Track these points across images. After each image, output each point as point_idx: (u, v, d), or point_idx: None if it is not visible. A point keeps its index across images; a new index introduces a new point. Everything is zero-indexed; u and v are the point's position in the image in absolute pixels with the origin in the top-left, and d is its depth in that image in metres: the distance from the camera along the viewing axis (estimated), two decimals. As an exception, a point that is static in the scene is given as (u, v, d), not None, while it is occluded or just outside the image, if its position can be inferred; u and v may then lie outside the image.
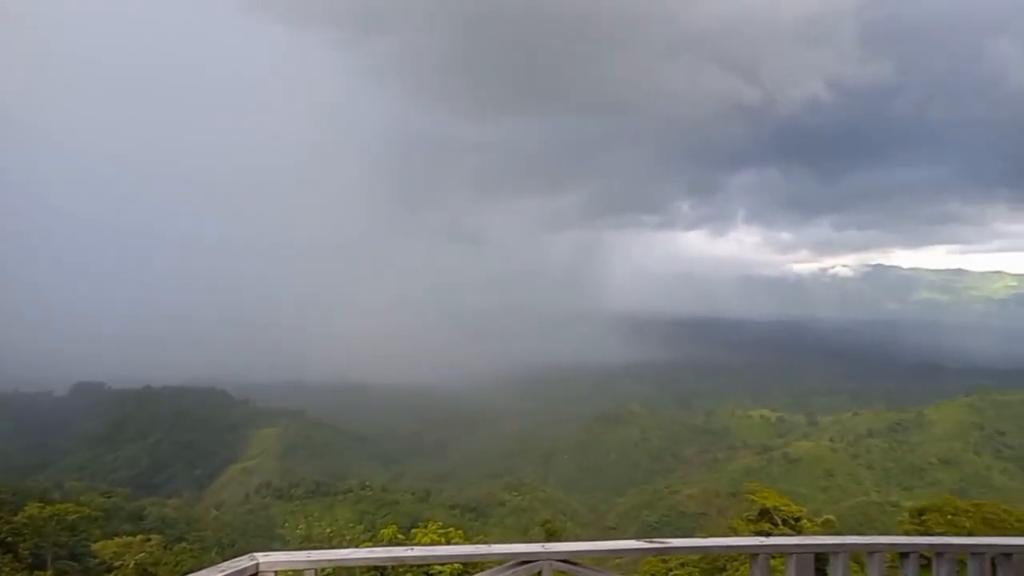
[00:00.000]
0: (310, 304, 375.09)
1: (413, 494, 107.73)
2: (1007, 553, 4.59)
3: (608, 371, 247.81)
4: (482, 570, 3.87)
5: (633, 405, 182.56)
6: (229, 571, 3.43)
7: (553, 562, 3.79)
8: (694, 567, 24.84)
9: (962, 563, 4.65)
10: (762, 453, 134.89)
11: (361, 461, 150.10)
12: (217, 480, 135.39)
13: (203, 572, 3.35)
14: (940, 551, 4.47)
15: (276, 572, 3.71)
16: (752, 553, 4.12)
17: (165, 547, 36.14)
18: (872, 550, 4.35)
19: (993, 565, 4.61)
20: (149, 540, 35.17)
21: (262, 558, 3.64)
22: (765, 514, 27.66)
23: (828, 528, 34.94)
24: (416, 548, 3.79)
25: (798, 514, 28.65)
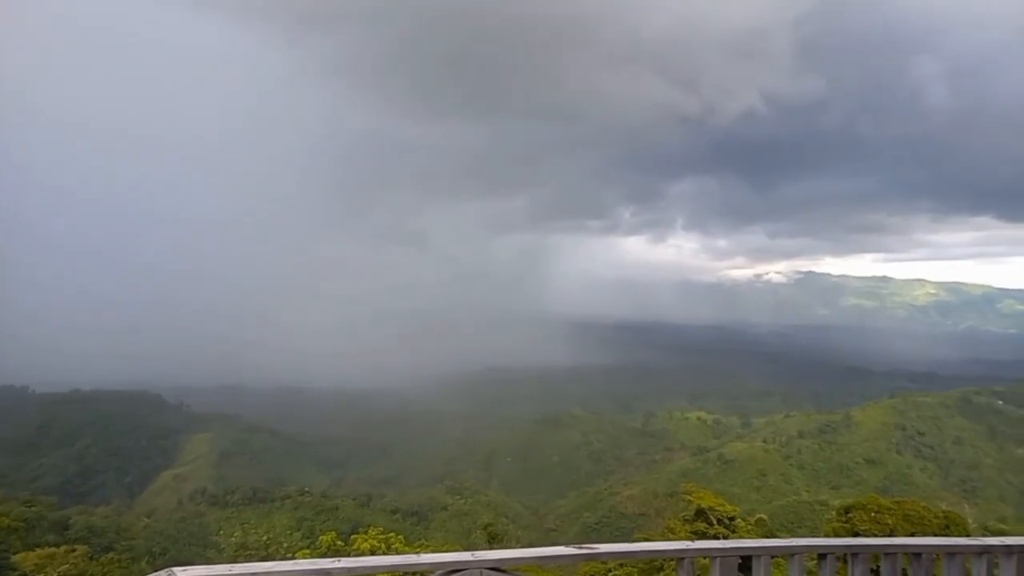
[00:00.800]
0: (249, 306, 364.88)
1: (354, 499, 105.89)
2: (916, 553, 4.83)
3: (551, 374, 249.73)
4: None
5: (575, 408, 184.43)
6: None
7: (483, 570, 3.77)
8: (632, 567, 25.20)
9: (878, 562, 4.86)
10: (699, 454, 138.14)
11: (300, 466, 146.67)
12: (149, 487, 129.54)
13: None
14: (855, 552, 4.67)
15: None
16: (679, 557, 4.22)
17: (91, 558, 34.40)
18: (792, 552, 4.52)
19: (904, 566, 4.85)
20: (74, 551, 33.41)
21: (180, 573, 3.47)
22: (701, 514, 28.35)
23: (761, 527, 36.06)
24: (343, 560, 3.67)
25: (732, 513, 29.47)
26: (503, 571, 3.80)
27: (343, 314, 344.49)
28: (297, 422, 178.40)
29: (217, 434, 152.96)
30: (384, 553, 17.23)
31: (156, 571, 3.53)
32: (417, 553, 4.44)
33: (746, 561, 4.58)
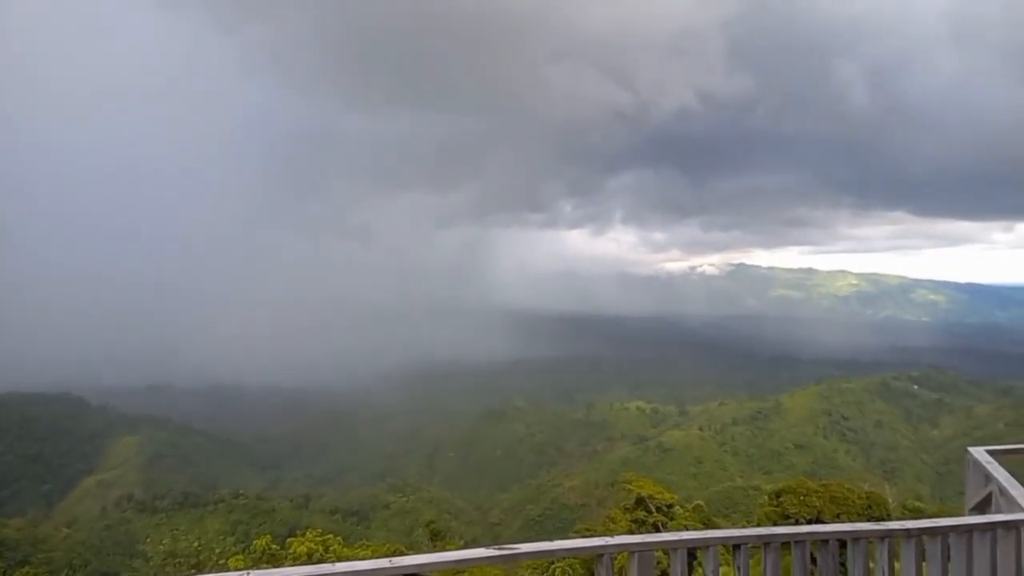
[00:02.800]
0: (179, 301, 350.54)
1: (291, 501, 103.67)
2: (824, 540, 5.07)
3: (493, 367, 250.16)
4: None
5: (518, 400, 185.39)
6: None
7: None
8: (575, 559, 25.55)
9: (810, 548, 5.08)
10: (638, 443, 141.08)
11: (234, 469, 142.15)
12: (69, 495, 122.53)
13: None
14: (767, 541, 4.87)
15: None
16: (597, 554, 4.30)
17: (4, 573, 32.59)
18: (707, 544, 4.68)
19: (812, 552, 5.10)
20: (-16, 566, 31.50)
21: None
22: (641, 503, 28.97)
23: (698, 513, 37.08)
24: (253, 573, 3.56)
25: (671, 501, 30.24)
26: None
27: (280, 309, 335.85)
28: (231, 422, 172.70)
29: (145, 437, 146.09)
30: (320, 556, 17.00)
31: None
32: (331, 563, 4.35)
33: (692, 552, 4.72)
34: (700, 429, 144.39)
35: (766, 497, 34.00)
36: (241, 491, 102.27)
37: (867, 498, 30.62)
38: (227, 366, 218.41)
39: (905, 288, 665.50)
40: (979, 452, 7.71)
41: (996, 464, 7.27)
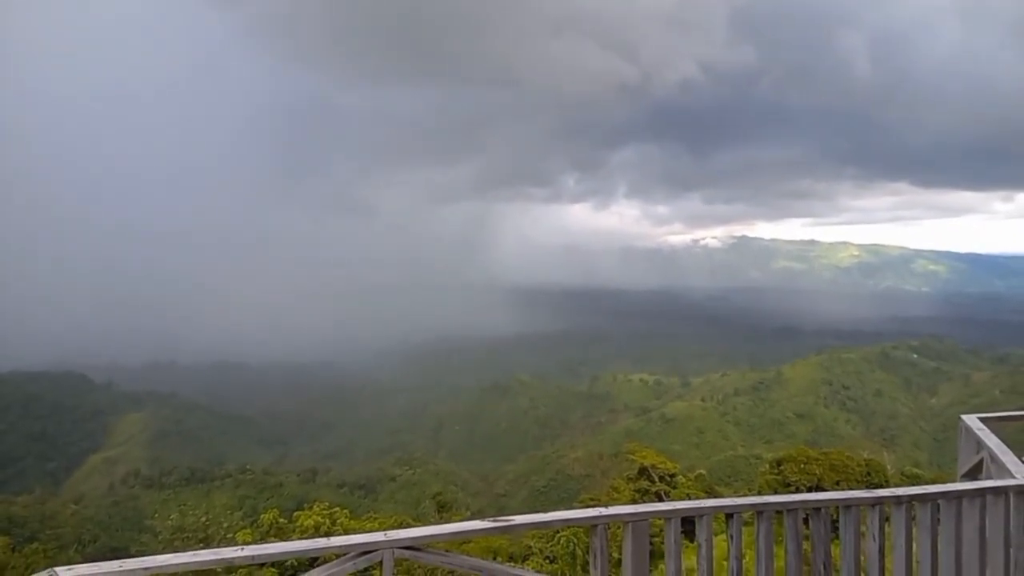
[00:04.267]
0: (184, 278, 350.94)
1: (298, 475, 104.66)
2: (816, 508, 5.17)
3: (497, 342, 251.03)
4: (323, 563, 3.79)
5: (522, 374, 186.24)
6: None
7: (395, 550, 3.79)
8: (579, 527, 25.95)
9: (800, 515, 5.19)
10: (641, 415, 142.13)
11: (241, 444, 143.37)
12: (75, 473, 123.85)
13: None
14: (760, 510, 4.97)
15: None
16: (592, 524, 4.39)
17: (14, 549, 32.98)
18: (700, 513, 4.77)
19: (806, 519, 5.20)
20: (-8, 543, 31.83)
21: (63, 573, 3.23)
22: (644, 472, 29.31)
23: (700, 482, 37.46)
24: (247, 548, 3.56)
25: (673, 470, 30.58)
26: (418, 549, 3.83)
27: (284, 285, 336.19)
28: (237, 398, 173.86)
29: (150, 413, 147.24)
30: (328, 529, 17.26)
31: (42, 570, 3.35)
32: (326, 536, 4.43)
33: (688, 521, 4.83)
34: (702, 400, 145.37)
35: (767, 465, 34.29)
36: (248, 466, 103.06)
37: (866, 465, 30.90)
38: (231, 343, 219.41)
39: (906, 259, 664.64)
40: (971, 419, 7.82)
41: (988, 431, 7.38)
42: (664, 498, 27.08)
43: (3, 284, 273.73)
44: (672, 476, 29.80)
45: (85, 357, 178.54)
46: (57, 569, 3.28)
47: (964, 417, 8.00)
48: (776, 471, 30.63)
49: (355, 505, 68.51)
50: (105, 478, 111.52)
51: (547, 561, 17.24)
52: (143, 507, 79.42)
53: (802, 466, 29.65)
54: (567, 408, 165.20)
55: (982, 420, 7.72)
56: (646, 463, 29.63)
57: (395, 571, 3.69)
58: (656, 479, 28.85)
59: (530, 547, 19.00)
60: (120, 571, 3.33)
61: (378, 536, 3.80)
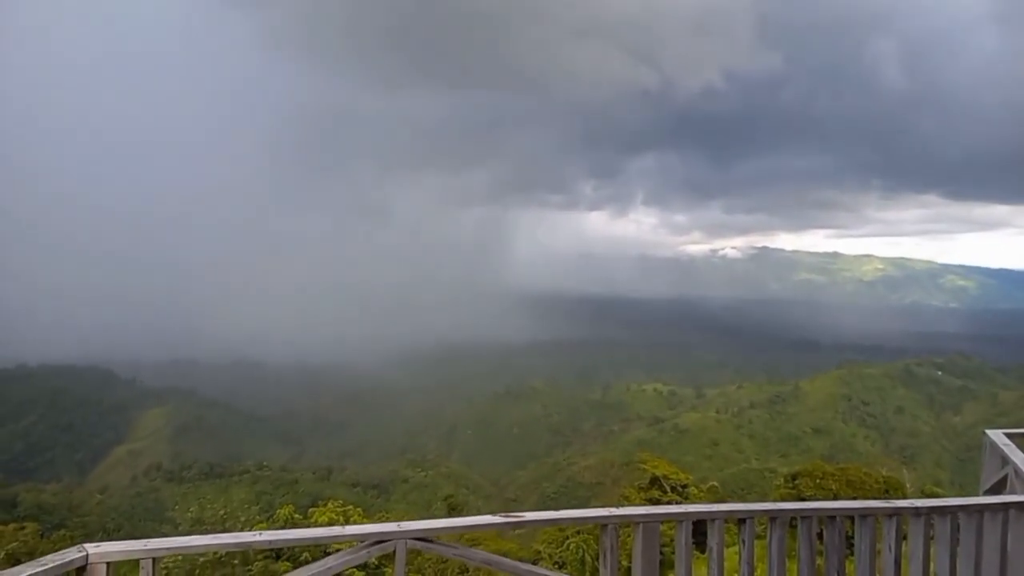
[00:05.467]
0: (204, 278, 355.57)
1: (313, 473, 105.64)
2: (831, 516, 5.11)
3: (512, 348, 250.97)
4: (337, 551, 3.84)
5: (535, 381, 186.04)
6: (52, 564, 3.11)
7: (408, 540, 3.83)
8: (588, 534, 25.88)
9: (794, 526, 5.14)
10: (654, 425, 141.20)
11: (258, 441, 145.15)
12: (101, 464, 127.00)
13: (24, 565, 3.05)
14: (774, 516, 4.92)
15: (109, 563, 3.41)
16: (602, 524, 4.38)
17: (42, 535, 33.62)
18: (712, 517, 4.73)
19: (820, 527, 5.13)
20: (23, 528, 32.48)
21: (92, 549, 3.38)
22: (655, 482, 29.12)
23: (712, 493, 37.17)
24: (265, 533, 3.67)
25: (685, 481, 30.35)
26: (430, 541, 3.87)
27: (302, 287, 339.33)
28: (255, 397, 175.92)
29: (172, 409, 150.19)
30: (334, 526, 17.35)
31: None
32: (341, 525, 4.48)
33: (675, 526, 4.78)
34: (717, 412, 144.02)
35: (782, 479, 33.93)
36: (265, 463, 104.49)
37: (884, 482, 30.44)
38: (250, 342, 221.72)
39: (933, 273, 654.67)
40: (997, 434, 7.64)
41: (1014, 447, 7.17)
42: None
43: (35, 281, 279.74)
44: (684, 487, 29.57)
45: (111, 353, 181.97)
46: (86, 545, 3.42)
47: (989, 432, 7.78)
48: (791, 485, 30.26)
49: (368, 504, 68.93)
50: (129, 470, 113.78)
51: (556, 567, 17.20)
52: (164, 499, 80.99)
53: (818, 481, 29.29)
54: (580, 416, 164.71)
55: (1008, 436, 7.52)
56: (658, 473, 29.44)
57: (407, 562, 3.74)
58: (668, 489, 28.64)
59: (539, 552, 18.96)
60: (145, 549, 3.46)
61: (392, 526, 3.88)
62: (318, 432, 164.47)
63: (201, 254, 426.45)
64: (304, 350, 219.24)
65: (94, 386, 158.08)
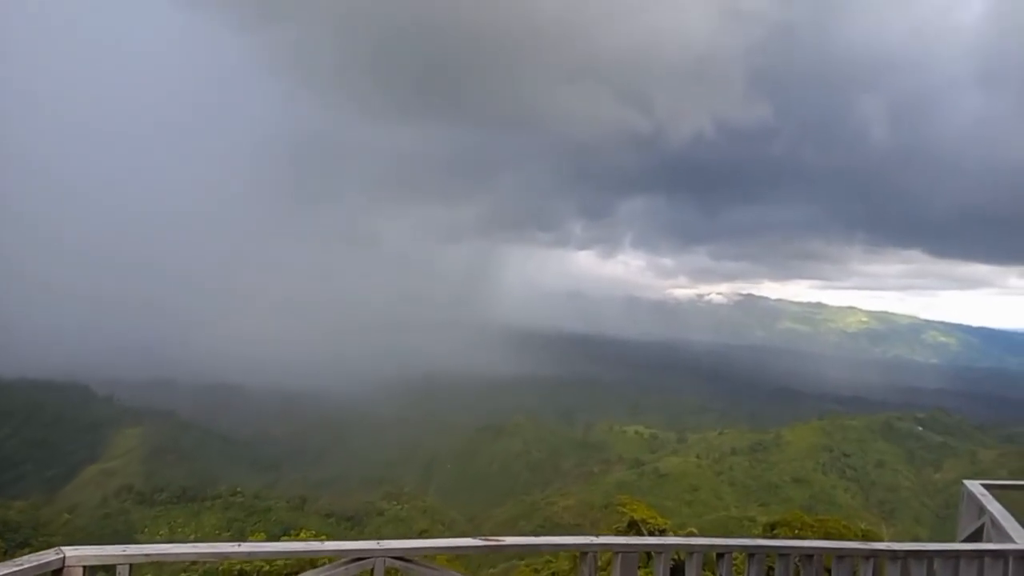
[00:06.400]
0: (188, 297, 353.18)
1: (287, 501, 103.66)
2: (808, 555, 5.13)
3: (495, 382, 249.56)
4: (315, 567, 3.83)
5: (517, 416, 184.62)
6: (29, 565, 3.15)
7: (386, 559, 3.83)
8: (568, 568, 25.54)
9: (772, 564, 5.15)
10: (635, 467, 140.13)
11: (233, 466, 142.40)
12: (72, 482, 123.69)
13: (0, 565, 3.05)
14: (752, 552, 4.94)
15: (85, 567, 3.43)
16: (581, 551, 4.39)
17: (5, 552, 32.69)
18: (691, 550, 4.75)
19: (798, 566, 5.16)
20: (-16, 545, 31.57)
21: (69, 552, 3.39)
22: (633, 525, 28.83)
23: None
24: (244, 544, 3.68)
25: (664, 526, 30.06)
26: (408, 560, 3.86)
27: (286, 312, 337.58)
28: (232, 420, 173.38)
29: (147, 429, 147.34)
30: (313, 540, 17.07)
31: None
32: (320, 540, 4.46)
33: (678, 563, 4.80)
34: (698, 457, 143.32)
35: (760, 528, 33.75)
36: (239, 489, 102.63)
37: (863, 536, 30.35)
38: (231, 365, 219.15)
39: (916, 328, 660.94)
40: (974, 485, 7.80)
41: (991, 497, 7.32)
42: (653, 556, 26.59)
43: (16, 294, 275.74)
44: (662, 531, 29.30)
45: (89, 370, 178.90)
46: (64, 547, 3.49)
47: (967, 482, 8.01)
48: (770, 534, 30.11)
49: (341, 535, 67.50)
50: (100, 489, 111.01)
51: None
52: (134, 521, 79.16)
53: (796, 532, 29.16)
54: (560, 454, 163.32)
55: (985, 486, 7.68)
56: (637, 517, 29.19)
57: None
58: (646, 533, 28.39)
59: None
60: (123, 555, 3.50)
61: (371, 544, 3.96)
62: (295, 459, 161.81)
63: (186, 275, 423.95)
64: (286, 376, 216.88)
65: (71, 402, 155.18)
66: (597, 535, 4.73)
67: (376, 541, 3.88)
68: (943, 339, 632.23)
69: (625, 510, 30.81)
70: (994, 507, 6.96)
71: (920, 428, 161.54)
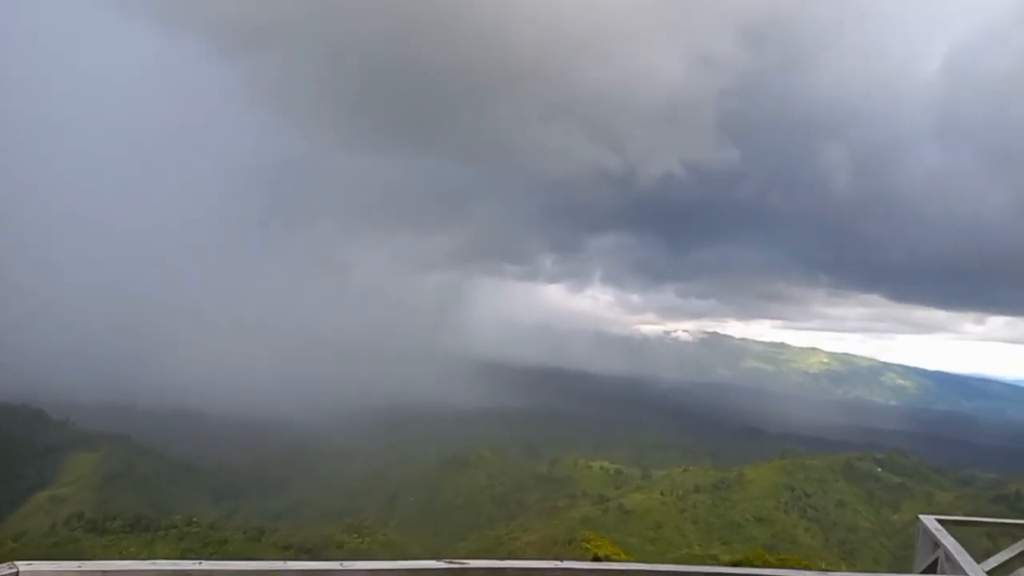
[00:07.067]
0: (151, 320, 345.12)
1: (244, 533, 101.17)
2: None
3: (461, 414, 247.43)
4: None
5: (483, 450, 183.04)
6: None
7: None
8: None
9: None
10: (599, 503, 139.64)
11: (190, 495, 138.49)
12: (19, 509, 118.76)
13: None
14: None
15: None
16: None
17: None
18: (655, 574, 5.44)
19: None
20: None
21: (23, 567, 3.31)
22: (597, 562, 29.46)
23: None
24: (205, 562, 3.76)
25: (625, 562, 30.77)
26: None
27: (253, 338, 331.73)
28: (192, 448, 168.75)
29: (103, 455, 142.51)
30: (275, 560, 17.38)
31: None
32: (283, 560, 4.63)
33: None
34: (662, 494, 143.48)
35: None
36: (195, 518, 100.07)
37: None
38: (194, 390, 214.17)
39: (875, 370, 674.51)
40: (929, 520, 8.15)
41: (945, 531, 7.68)
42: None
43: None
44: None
45: (44, 393, 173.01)
46: (17, 562, 3.43)
47: (922, 517, 8.34)
48: (731, 572, 30.96)
49: (301, 570, 66.22)
50: (49, 517, 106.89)
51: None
52: (83, 551, 76.48)
53: (757, 570, 30.12)
54: (525, 489, 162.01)
55: (940, 521, 8.05)
56: (601, 553, 29.85)
57: None
58: (610, 569, 29.04)
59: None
60: (78, 571, 3.46)
61: (334, 564, 3.89)
62: (255, 489, 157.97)
63: (151, 298, 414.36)
64: (249, 403, 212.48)
65: (24, 426, 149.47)
66: (561, 559, 4.92)
67: (339, 563, 3.88)
68: (901, 382, 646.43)
69: (589, 546, 31.48)
70: (948, 541, 7.35)
71: (879, 469, 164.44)
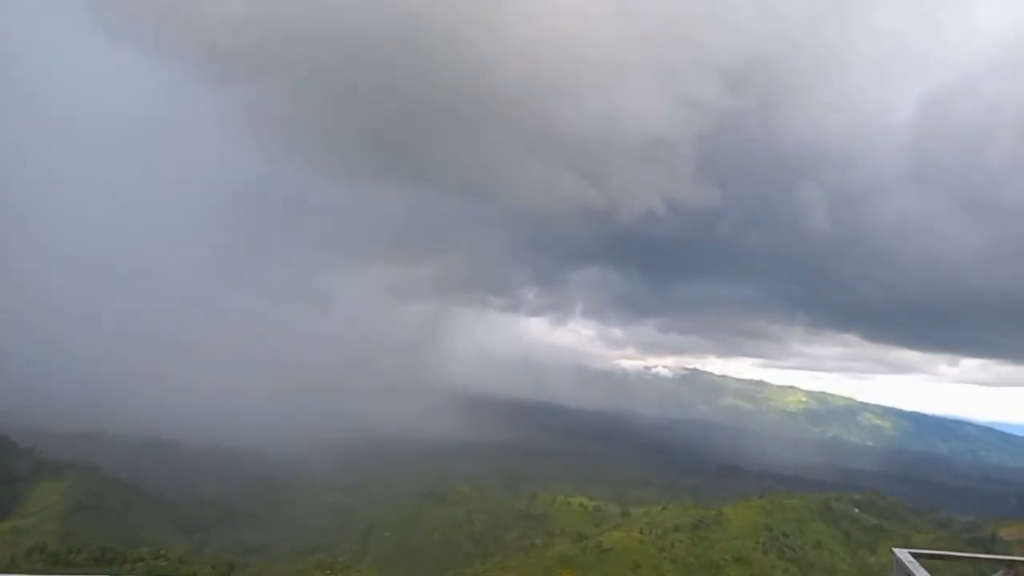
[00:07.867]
0: (126, 347, 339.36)
1: (214, 568, 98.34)
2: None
3: (440, 447, 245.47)
4: None
5: (461, 484, 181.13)
6: None
7: None
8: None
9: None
10: (578, 541, 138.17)
11: (159, 527, 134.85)
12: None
13: None
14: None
15: None
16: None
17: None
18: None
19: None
20: None
21: None
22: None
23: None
24: None
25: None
26: None
27: (228, 368, 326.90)
28: (163, 479, 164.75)
29: (69, 484, 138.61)
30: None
31: None
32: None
33: None
34: (641, 532, 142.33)
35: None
36: (163, 552, 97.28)
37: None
38: (167, 419, 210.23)
39: (852, 410, 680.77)
40: (903, 553, 8.41)
41: (918, 564, 7.92)
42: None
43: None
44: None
45: (11, 419, 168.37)
46: None
47: (896, 551, 8.57)
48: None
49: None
50: (9, 549, 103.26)
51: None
52: (44, 586, 73.84)
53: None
54: (503, 525, 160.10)
55: (913, 555, 8.31)
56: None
57: None
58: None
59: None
60: None
61: None
62: (226, 522, 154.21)
63: (125, 326, 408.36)
64: (223, 434, 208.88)
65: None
66: None
67: None
68: (878, 422, 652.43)
69: (569, 585, 31.19)
70: (921, 574, 7.61)
71: (856, 510, 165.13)
